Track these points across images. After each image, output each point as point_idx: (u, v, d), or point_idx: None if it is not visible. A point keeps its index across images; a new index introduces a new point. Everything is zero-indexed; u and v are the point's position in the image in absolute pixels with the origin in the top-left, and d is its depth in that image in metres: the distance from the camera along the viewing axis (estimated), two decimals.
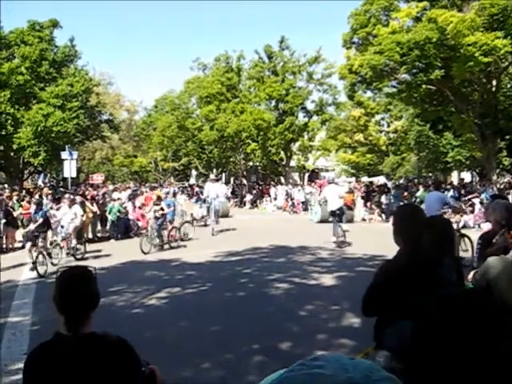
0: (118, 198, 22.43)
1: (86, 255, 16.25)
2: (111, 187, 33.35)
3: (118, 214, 21.10)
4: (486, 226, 18.36)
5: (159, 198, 19.04)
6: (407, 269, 3.51)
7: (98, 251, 17.30)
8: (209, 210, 22.88)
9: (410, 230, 3.67)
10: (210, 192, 22.33)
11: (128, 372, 2.43)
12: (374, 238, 17.25)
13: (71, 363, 2.37)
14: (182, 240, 18.97)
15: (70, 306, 2.45)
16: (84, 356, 2.39)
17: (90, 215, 21.02)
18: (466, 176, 41.10)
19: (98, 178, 38.38)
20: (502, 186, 26.26)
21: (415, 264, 3.51)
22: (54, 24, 35.14)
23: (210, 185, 23.51)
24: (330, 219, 17.71)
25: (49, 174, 41.49)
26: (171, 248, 17.63)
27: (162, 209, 17.86)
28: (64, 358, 2.39)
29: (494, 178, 27.35)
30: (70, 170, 25.39)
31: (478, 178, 36.77)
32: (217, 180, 24.45)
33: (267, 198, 39.34)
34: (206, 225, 23.69)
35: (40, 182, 33.92)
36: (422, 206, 10.96)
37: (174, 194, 24.50)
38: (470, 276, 4.48)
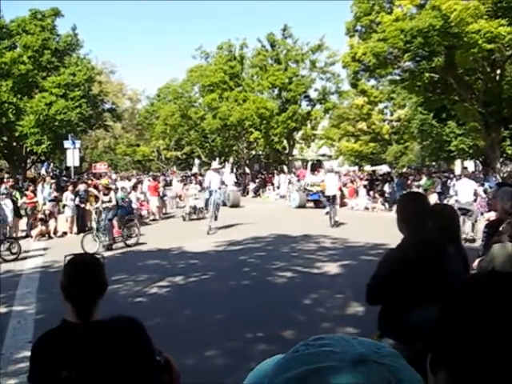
0: (122, 187, 22.41)
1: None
2: (114, 176, 33.38)
3: (121, 202, 21.07)
4: (489, 215, 18.39)
5: (107, 188, 16.98)
6: (412, 257, 3.49)
7: None
8: (207, 202, 20.20)
9: (414, 217, 3.65)
10: (212, 182, 18.89)
11: (141, 355, 2.43)
12: (377, 227, 17.26)
13: (81, 351, 2.37)
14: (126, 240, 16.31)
15: (79, 293, 2.45)
16: (94, 343, 2.39)
17: (94, 204, 21.06)
18: (470, 165, 41.00)
19: (101, 167, 38.43)
20: (505, 175, 26.19)
21: (420, 252, 3.49)
22: (56, 13, 34.93)
23: (211, 174, 19.57)
24: (326, 204, 21.02)
25: (52, 164, 41.46)
26: (127, 246, 15.91)
27: (110, 200, 16.08)
28: (74, 345, 2.39)
29: (498, 166, 27.26)
30: (72, 158, 25.41)
31: (481, 167, 36.66)
32: (218, 169, 20.45)
33: (270, 186, 39.35)
34: (202, 218, 21.95)
35: (43, 171, 33.88)
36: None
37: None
38: (476, 263, 4.47)
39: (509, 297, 0.93)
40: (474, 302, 0.95)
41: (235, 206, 27.74)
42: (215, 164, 19.86)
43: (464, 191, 16.78)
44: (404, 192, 24.07)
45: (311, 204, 28.62)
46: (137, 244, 16.06)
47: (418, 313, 3.02)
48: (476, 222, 15.22)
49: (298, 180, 30.93)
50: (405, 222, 3.72)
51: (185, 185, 32.56)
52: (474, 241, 13.46)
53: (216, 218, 18.42)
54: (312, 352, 0.78)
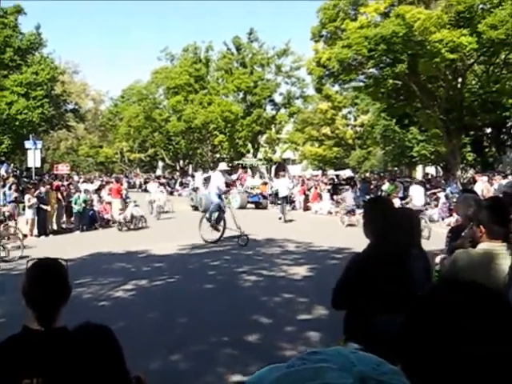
0: (86, 190, 22.12)
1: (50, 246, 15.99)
2: (76, 178, 32.90)
3: (83, 205, 20.84)
4: (449, 220, 18.80)
5: None
6: (376, 261, 3.54)
7: (63, 242, 17.06)
8: (206, 207, 17.68)
9: (377, 222, 3.71)
10: (221, 185, 16.26)
11: (111, 366, 2.38)
12: (341, 231, 17.44)
13: (44, 359, 2.31)
14: None
15: (41, 298, 2.39)
16: (58, 351, 2.33)
17: (55, 206, 20.75)
18: (431, 170, 41.73)
19: (63, 169, 37.77)
20: (465, 181, 26.73)
21: (384, 255, 3.54)
22: (19, 10, 34.36)
23: (219, 176, 16.59)
24: (279, 202, 24.78)
25: (12, 164, 40.63)
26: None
27: None
28: (35, 353, 2.33)
29: (459, 173, 27.84)
30: (34, 159, 24.92)
31: (442, 173, 37.36)
32: (226, 171, 17.54)
33: (234, 189, 39.28)
34: (141, 228, 20.81)
35: (3, 172, 33.15)
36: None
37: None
38: (438, 259, 4.55)
39: (469, 305, 0.96)
40: (436, 309, 0.98)
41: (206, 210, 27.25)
42: (223, 165, 17.58)
43: (417, 196, 19.26)
44: (367, 197, 24.46)
45: (252, 205, 30.43)
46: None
47: (384, 318, 3.07)
48: (427, 223, 16.11)
49: (241, 183, 32.32)
50: (370, 227, 3.78)
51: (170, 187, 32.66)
52: (428, 238, 13.63)
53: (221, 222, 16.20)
54: (308, 368, 0.75)
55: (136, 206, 21.32)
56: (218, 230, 15.94)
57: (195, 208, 27.86)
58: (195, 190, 31.19)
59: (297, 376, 0.74)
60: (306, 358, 0.78)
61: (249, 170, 38.64)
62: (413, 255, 3.63)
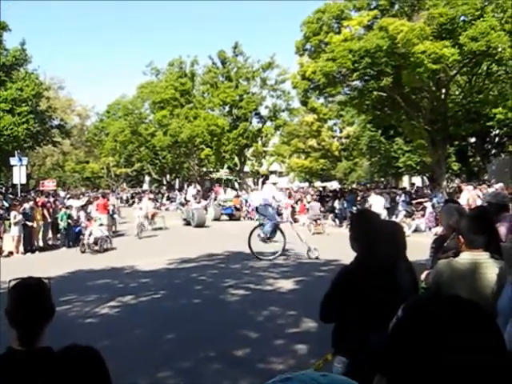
0: (69, 206, 21.97)
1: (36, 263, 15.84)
2: (62, 194, 32.69)
3: (68, 221, 20.70)
4: (436, 230, 18.86)
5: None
6: (363, 274, 3.53)
7: (49, 259, 16.91)
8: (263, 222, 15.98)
9: (364, 235, 3.71)
10: (276, 196, 15.95)
11: None
12: (328, 243, 17.41)
13: (24, 379, 2.27)
14: None
15: (25, 319, 2.36)
16: (39, 372, 2.29)
17: (40, 222, 20.59)
18: (417, 181, 41.95)
19: (49, 185, 37.51)
20: (451, 191, 26.91)
21: (371, 269, 3.54)
22: (3, 27, 34.27)
23: (271, 188, 16.30)
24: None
25: None
26: None
27: None
28: (16, 374, 2.29)
29: (444, 183, 28.03)
30: (19, 176, 24.75)
31: (428, 183, 37.59)
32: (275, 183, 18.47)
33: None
34: (107, 249, 18.97)
35: None
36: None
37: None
38: (423, 276, 4.55)
39: (452, 318, 0.97)
40: (419, 323, 0.99)
41: (200, 226, 26.53)
42: (273, 178, 17.56)
43: (376, 205, 22.22)
44: (354, 208, 24.55)
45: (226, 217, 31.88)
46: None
47: (373, 334, 3.05)
48: None
49: (215, 198, 34.47)
50: (357, 240, 3.77)
51: (157, 202, 32.42)
52: None
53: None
54: None
55: (101, 225, 19.77)
56: (274, 242, 15.22)
57: (187, 223, 27.66)
58: (183, 204, 31.50)
59: None
60: (279, 382, 0.77)
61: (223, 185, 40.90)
62: (400, 268, 3.62)
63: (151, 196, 34.62)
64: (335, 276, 3.74)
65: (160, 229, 25.68)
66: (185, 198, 33.07)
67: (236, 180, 47.28)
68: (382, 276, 3.51)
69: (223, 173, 45.17)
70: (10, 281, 2.56)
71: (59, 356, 2.34)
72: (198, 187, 34.36)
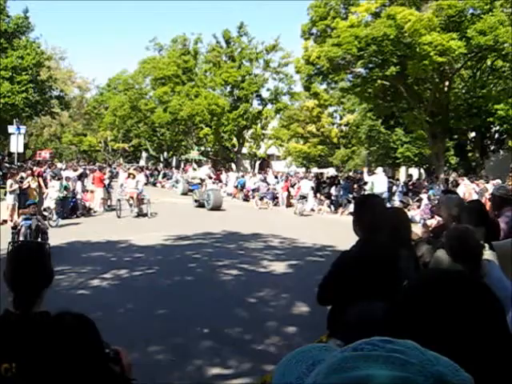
0: (67, 177, 21.85)
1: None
2: (59, 165, 32.56)
3: (65, 192, 20.59)
4: (431, 222, 18.89)
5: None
6: (365, 258, 3.51)
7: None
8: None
9: (368, 219, 3.68)
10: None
11: (89, 355, 2.31)
12: (324, 229, 17.45)
13: (20, 343, 2.24)
14: None
15: (24, 282, 2.33)
16: (35, 336, 2.26)
17: (35, 193, 20.49)
18: (414, 172, 41.98)
19: (45, 155, 37.39)
20: (449, 184, 26.92)
21: (373, 255, 3.51)
22: None
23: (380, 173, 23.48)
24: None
25: None
26: None
27: None
28: (12, 337, 2.27)
29: (442, 175, 28.04)
30: (17, 144, 24.63)
31: (425, 175, 37.62)
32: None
33: (218, 184, 39.21)
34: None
35: None
36: None
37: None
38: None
39: (451, 291, 0.98)
40: (425, 292, 1.01)
41: (216, 208, 24.07)
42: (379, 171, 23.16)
43: (304, 186, 26.15)
44: (350, 195, 24.56)
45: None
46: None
47: (362, 304, 3.02)
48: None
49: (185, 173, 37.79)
50: (360, 224, 3.74)
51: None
52: None
53: None
54: (383, 355, 0.66)
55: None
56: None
57: (200, 204, 24.98)
58: (178, 181, 32.02)
59: (371, 360, 0.65)
60: (379, 344, 0.69)
61: (193, 164, 41.55)
62: (402, 256, 3.61)
63: (132, 171, 25.00)
64: (336, 259, 3.71)
65: (145, 215, 21.12)
66: (199, 178, 31.23)
67: (206, 160, 47.46)
68: (384, 262, 3.48)
69: (194, 153, 45.81)
70: (9, 243, 2.52)
71: (53, 321, 2.31)
72: (211, 168, 34.29)
